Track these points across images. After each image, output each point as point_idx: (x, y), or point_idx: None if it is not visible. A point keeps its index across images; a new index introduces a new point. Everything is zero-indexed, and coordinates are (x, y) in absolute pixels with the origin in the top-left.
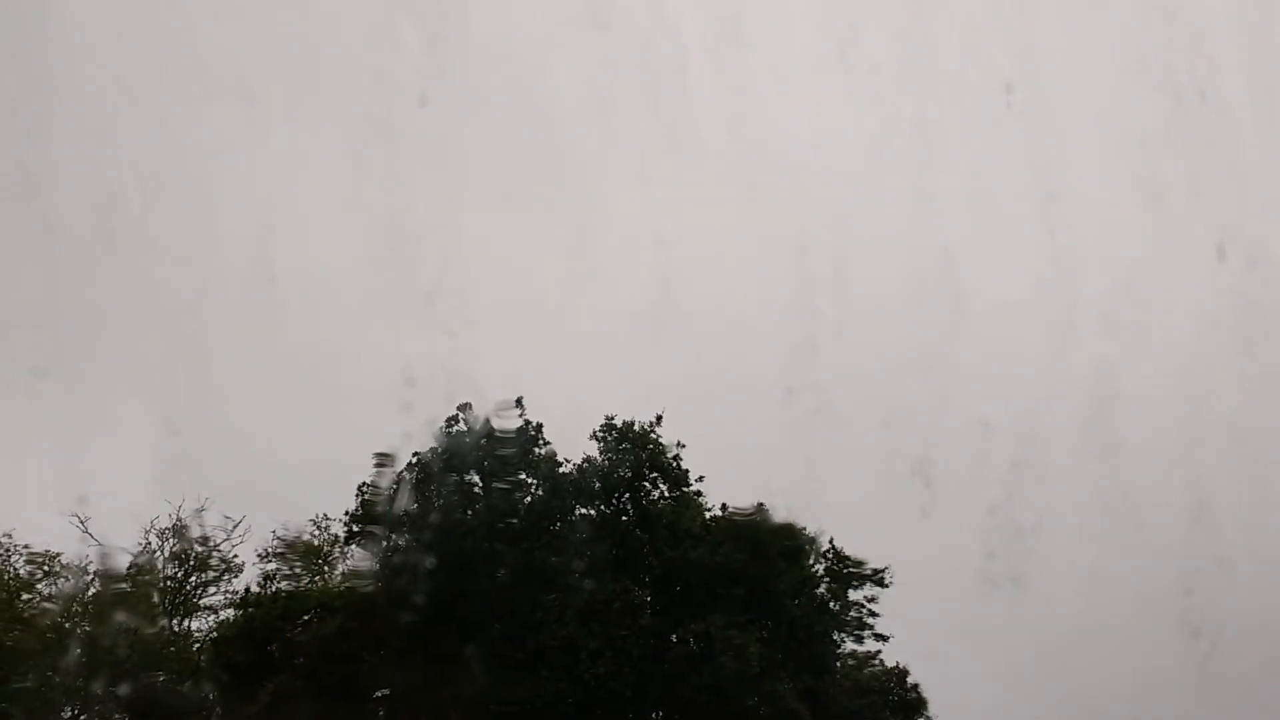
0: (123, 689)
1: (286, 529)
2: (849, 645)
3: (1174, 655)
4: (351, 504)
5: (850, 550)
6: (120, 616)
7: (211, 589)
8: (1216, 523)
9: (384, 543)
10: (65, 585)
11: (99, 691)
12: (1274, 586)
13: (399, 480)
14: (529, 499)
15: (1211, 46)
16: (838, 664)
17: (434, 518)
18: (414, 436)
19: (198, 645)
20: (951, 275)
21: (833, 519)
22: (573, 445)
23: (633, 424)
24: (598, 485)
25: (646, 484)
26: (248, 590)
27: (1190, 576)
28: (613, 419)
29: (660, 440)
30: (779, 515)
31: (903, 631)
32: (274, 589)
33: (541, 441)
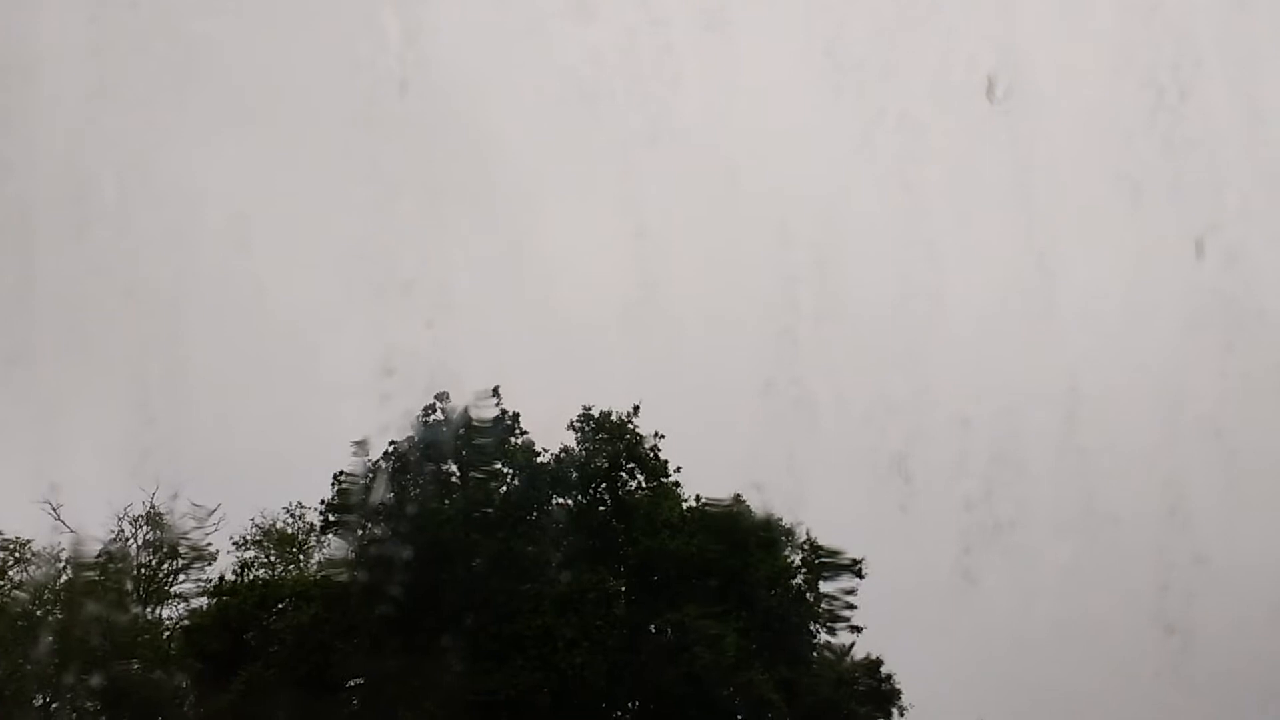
0: (95, 677)
1: (263, 517)
2: (823, 637)
3: (1148, 651)
4: (328, 493)
5: (828, 544)
6: (92, 604)
7: (181, 576)
8: (1192, 520)
9: (360, 531)
10: (36, 572)
11: (71, 680)
12: (1248, 584)
13: (375, 469)
14: (505, 489)
15: (1193, 46)
16: (813, 654)
17: (410, 507)
18: (392, 427)
19: (168, 634)
20: (933, 271)
21: (811, 513)
22: (552, 436)
23: (610, 414)
24: (574, 475)
25: (623, 474)
26: (222, 578)
27: (1165, 573)
28: (590, 409)
29: (638, 430)
30: (757, 507)
31: (880, 625)
32: (250, 577)
33: (519, 431)
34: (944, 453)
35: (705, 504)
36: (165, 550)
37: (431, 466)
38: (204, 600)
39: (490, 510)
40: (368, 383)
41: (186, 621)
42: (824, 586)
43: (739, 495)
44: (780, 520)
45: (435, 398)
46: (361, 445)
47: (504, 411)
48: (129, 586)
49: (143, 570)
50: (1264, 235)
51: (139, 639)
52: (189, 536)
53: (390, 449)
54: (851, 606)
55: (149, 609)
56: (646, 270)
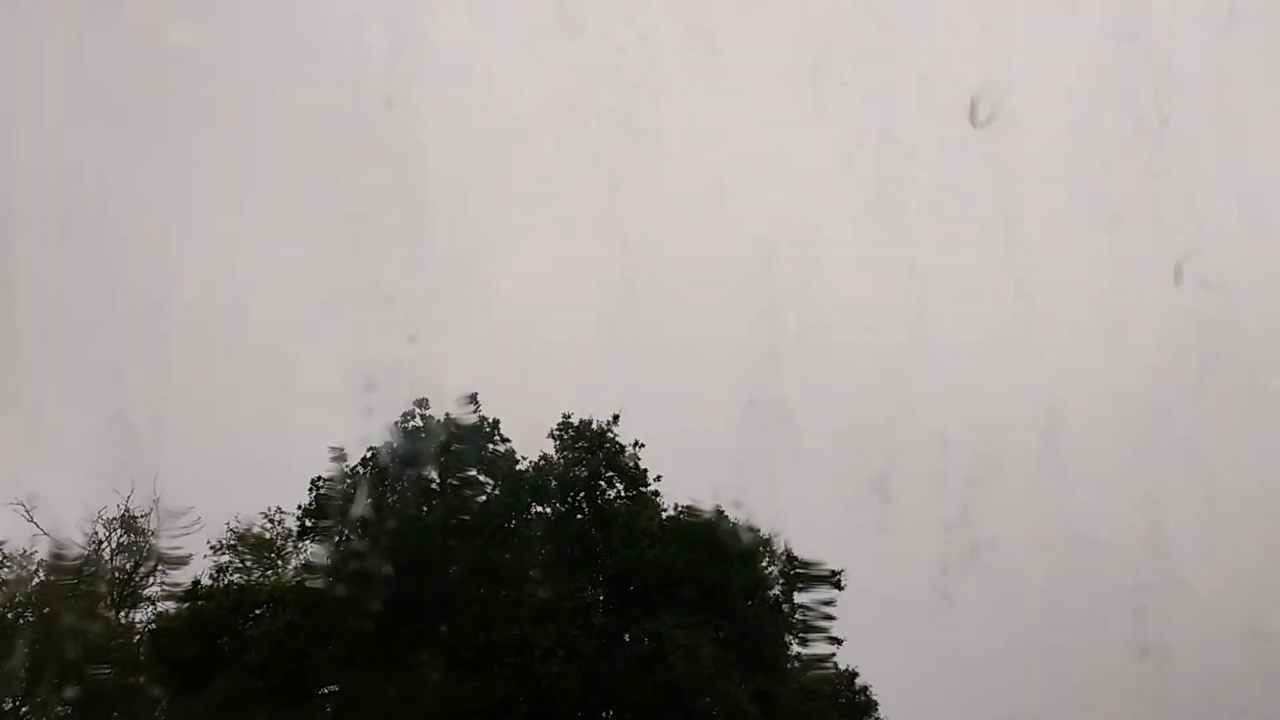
0: (68, 681)
1: (239, 522)
2: (796, 648)
3: (1123, 672)
4: (306, 500)
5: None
6: (65, 608)
7: (151, 580)
8: (1168, 542)
9: (337, 538)
10: (8, 575)
11: (43, 685)
12: (1223, 606)
13: (354, 475)
14: (484, 497)
15: (1174, 73)
16: (789, 666)
17: (388, 514)
18: (373, 438)
19: (139, 638)
20: (914, 291)
21: (791, 530)
22: (532, 444)
23: (590, 423)
24: (554, 484)
25: (603, 483)
26: (196, 583)
27: (1141, 595)
28: (569, 417)
29: (618, 440)
30: (736, 518)
31: (858, 643)
32: (225, 582)
33: (499, 439)
34: (923, 472)
35: (684, 510)
36: (143, 554)
37: (410, 472)
38: (171, 604)
39: (468, 518)
40: (348, 392)
41: (154, 625)
42: (801, 598)
43: (719, 507)
44: (758, 531)
45: (414, 404)
46: (340, 452)
47: (484, 419)
48: (103, 590)
49: (118, 574)
50: (1241, 260)
51: (112, 643)
52: (153, 534)
53: (368, 455)
54: (829, 618)
55: (122, 613)
56: (630, 284)
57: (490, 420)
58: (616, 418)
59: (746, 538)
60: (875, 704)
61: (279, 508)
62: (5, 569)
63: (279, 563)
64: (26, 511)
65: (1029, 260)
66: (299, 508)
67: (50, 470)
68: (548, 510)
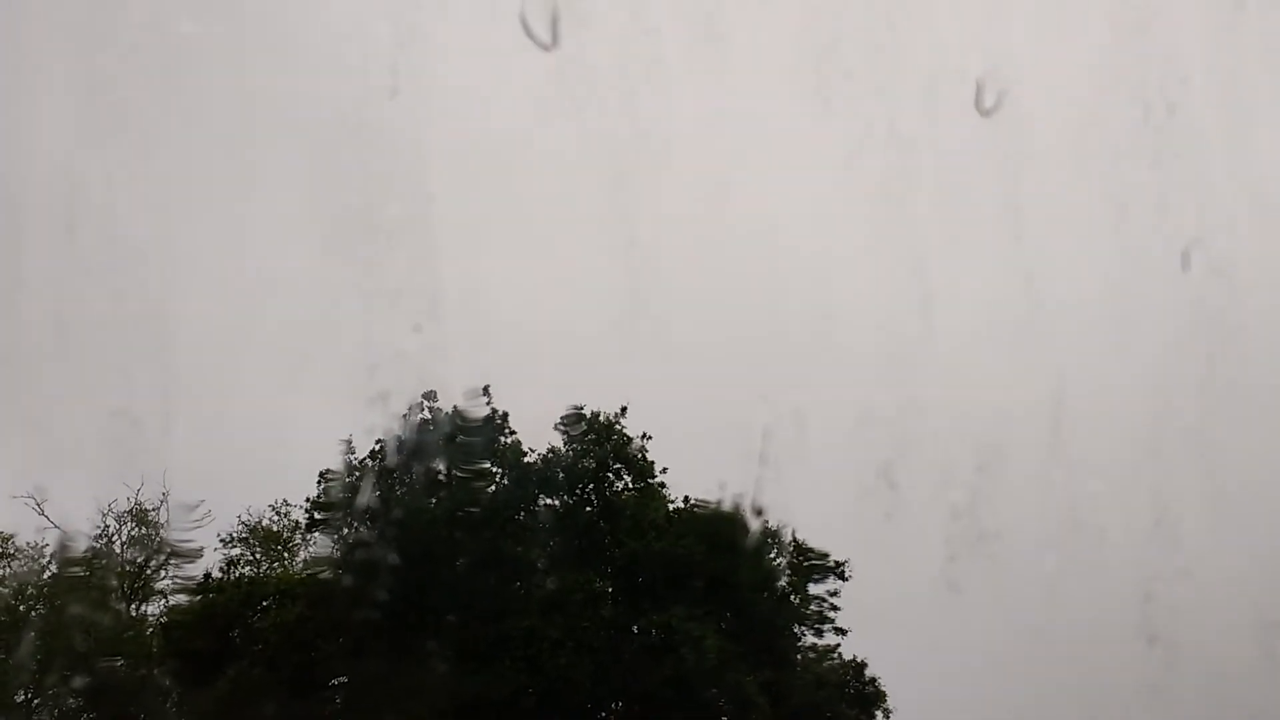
0: (79, 674)
1: (249, 515)
2: (809, 639)
3: (1131, 662)
4: (315, 493)
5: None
6: (76, 601)
7: (163, 573)
8: (1176, 532)
9: (345, 530)
10: (19, 568)
11: (54, 677)
12: (1230, 595)
13: (362, 467)
14: (493, 488)
15: (1181, 63)
16: (798, 656)
17: (396, 506)
18: (380, 430)
19: (151, 630)
20: (921, 282)
21: (799, 520)
22: (541, 436)
23: (598, 415)
24: (562, 476)
25: (610, 475)
26: (208, 576)
27: (1149, 585)
28: (579, 409)
29: (625, 432)
30: (743, 510)
31: (866, 632)
32: (236, 574)
33: (507, 431)
34: (931, 462)
35: (692, 505)
36: (154, 546)
37: (418, 464)
38: (183, 597)
39: (476, 510)
40: (356, 385)
41: (165, 618)
42: (809, 589)
43: (726, 499)
44: (766, 522)
45: (423, 396)
46: (348, 444)
47: (494, 411)
48: (114, 583)
49: (129, 566)
50: (1249, 248)
51: (124, 635)
52: (161, 527)
53: (376, 447)
54: (835, 608)
55: (133, 606)
56: (637, 277)
57: (500, 412)
58: (624, 410)
59: (754, 529)
60: (884, 694)
61: (285, 500)
62: (16, 561)
63: (287, 555)
64: (37, 505)
65: (1035, 250)
66: (307, 500)
67: (60, 464)
68: (555, 502)
